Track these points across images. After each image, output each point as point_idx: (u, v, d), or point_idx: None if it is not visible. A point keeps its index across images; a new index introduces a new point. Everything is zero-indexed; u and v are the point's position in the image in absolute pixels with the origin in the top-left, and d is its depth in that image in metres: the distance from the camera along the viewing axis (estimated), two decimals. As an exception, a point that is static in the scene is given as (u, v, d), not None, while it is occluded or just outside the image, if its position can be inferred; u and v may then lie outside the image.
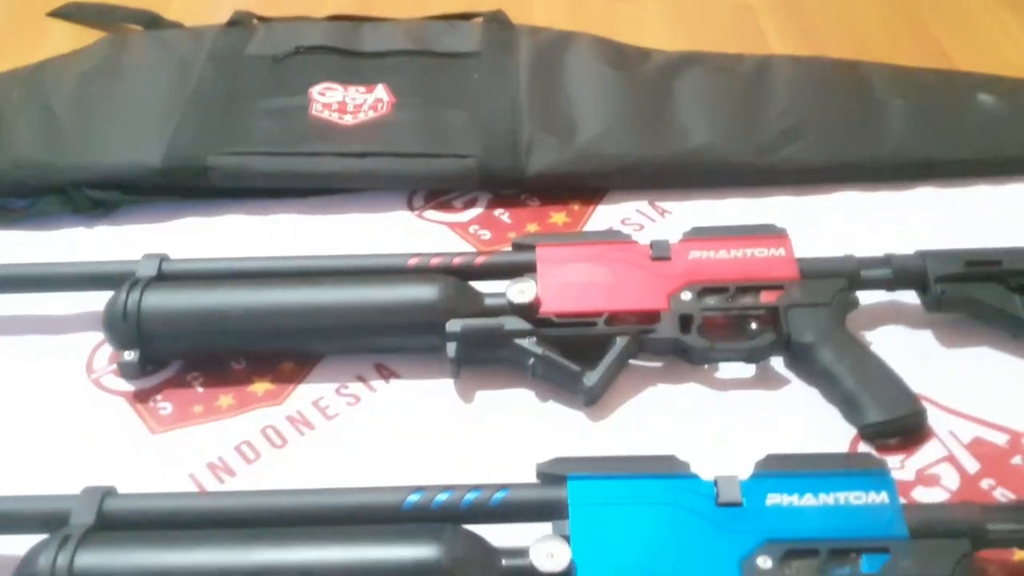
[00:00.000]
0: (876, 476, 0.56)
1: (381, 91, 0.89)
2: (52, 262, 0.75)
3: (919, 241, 0.74)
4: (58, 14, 1.08)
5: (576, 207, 0.84)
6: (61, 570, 0.53)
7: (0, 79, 0.93)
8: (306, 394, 0.69)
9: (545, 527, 0.56)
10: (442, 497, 0.56)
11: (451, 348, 0.67)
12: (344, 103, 0.88)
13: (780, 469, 0.56)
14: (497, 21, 0.98)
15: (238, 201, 0.84)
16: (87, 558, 0.53)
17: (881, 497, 0.55)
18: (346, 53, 0.93)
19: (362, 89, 0.89)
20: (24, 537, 0.56)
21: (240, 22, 0.98)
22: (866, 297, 0.71)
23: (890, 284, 0.71)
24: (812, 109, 0.87)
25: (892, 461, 0.62)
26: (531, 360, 0.67)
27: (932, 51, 1.00)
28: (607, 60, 0.93)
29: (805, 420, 0.67)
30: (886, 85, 0.89)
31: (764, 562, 0.53)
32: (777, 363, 0.70)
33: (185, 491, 0.63)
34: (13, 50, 1.02)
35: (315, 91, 0.88)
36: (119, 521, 0.56)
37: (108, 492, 0.58)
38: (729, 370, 0.69)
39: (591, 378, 0.66)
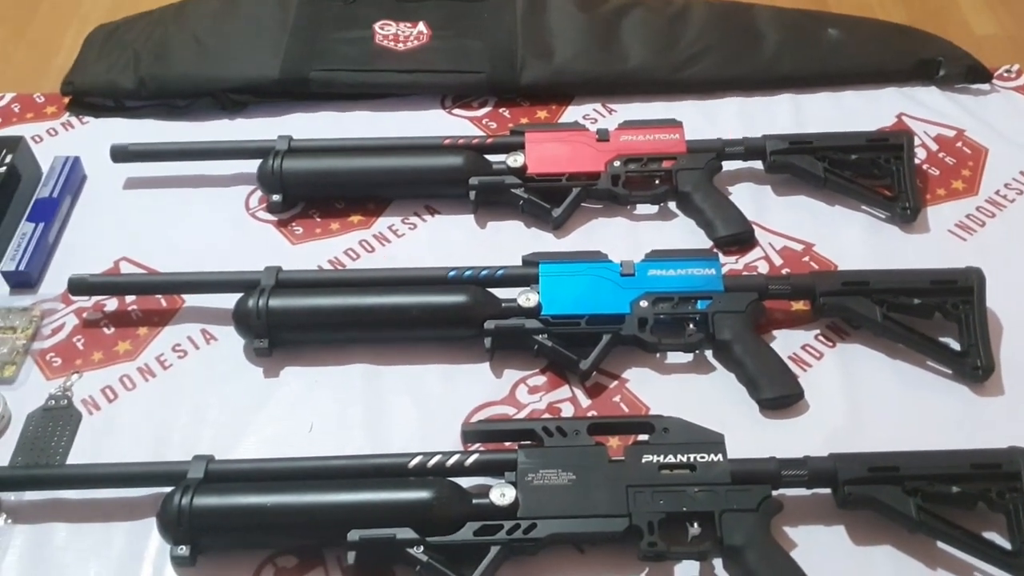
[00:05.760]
0: (711, 260, 1.00)
1: (422, 26, 1.29)
2: (218, 140, 1.17)
3: (782, 129, 1.16)
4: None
5: (553, 107, 1.25)
6: (263, 308, 0.96)
7: (154, 17, 1.33)
8: (383, 222, 1.12)
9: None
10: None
11: (472, 195, 1.10)
12: (397, 35, 1.28)
13: (657, 259, 1.00)
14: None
15: (328, 102, 1.25)
16: (277, 302, 0.97)
17: (711, 271, 0.99)
18: (397, -1, 1.33)
19: (409, 25, 1.29)
20: (227, 296, 1.00)
21: (319, -25, 1.37)
22: (729, 164, 1.14)
23: (744, 156, 1.12)
24: (712, 39, 1.27)
25: (730, 258, 1.06)
26: (520, 203, 1.10)
27: (815, -3, 1.40)
28: (577, 3, 1.32)
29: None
30: (766, 22, 1.29)
31: (644, 303, 0.97)
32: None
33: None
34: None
35: (377, 26, 1.29)
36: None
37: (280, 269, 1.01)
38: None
39: (557, 211, 1.09)
